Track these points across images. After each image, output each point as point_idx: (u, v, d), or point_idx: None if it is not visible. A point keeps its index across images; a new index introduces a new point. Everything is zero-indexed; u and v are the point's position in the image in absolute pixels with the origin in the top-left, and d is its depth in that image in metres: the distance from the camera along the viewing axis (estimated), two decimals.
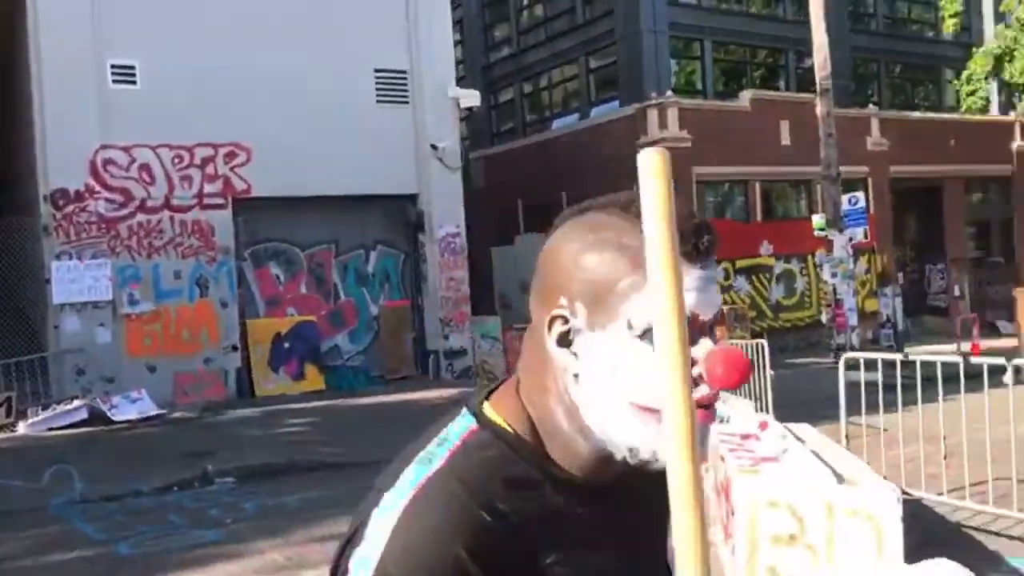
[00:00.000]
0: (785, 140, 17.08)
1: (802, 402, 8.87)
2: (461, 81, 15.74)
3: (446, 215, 13.64)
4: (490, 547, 0.84)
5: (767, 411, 7.17)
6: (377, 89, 13.31)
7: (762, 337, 10.31)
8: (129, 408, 10.39)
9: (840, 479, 3.58)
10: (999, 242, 21.51)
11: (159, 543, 5.81)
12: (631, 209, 0.88)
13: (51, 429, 9.85)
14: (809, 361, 14.10)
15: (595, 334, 0.89)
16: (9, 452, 8.94)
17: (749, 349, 8.64)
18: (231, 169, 12.10)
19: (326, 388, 13.03)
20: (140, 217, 11.51)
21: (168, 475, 7.57)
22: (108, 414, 10.15)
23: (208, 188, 11.97)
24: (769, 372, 8.02)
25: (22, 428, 9.93)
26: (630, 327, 0.87)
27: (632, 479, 0.93)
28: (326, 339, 13.39)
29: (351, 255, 13.77)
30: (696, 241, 0.88)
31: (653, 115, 15.86)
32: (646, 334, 0.86)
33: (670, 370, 0.76)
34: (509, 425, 0.93)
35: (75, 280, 10.93)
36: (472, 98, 14.39)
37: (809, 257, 16.71)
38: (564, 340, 0.90)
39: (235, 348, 12.32)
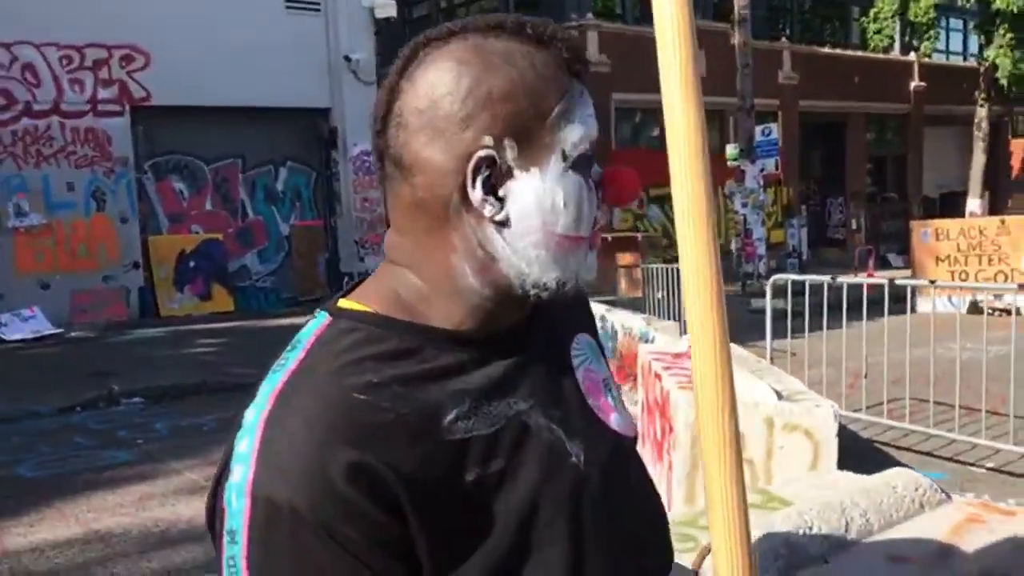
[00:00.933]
0: (701, 70, 17.13)
1: None
2: None
3: (360, 132, 13.15)
4: (376, 426, 0.75)
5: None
6: None
7: (673, 263, 10.48)
8: (21, 327, 9.78)
9: (779, 395, 3.64)
10: (893, 178, 22.49)
11: (65, 464, 5.51)
12: (525, 31, 0.83)
13: None
14: None
15: (528, 172, 0.81)
16: None
17: (670, 273, 8.77)
18: (128, 74, 11.25)
19: (235, 309, 12.62)
20: (25, 122, 10.62)
21: (69, 396, 7.18)
22: None
23: (103, 93, 11.12)
24: None
25: None
26: (564, 158, 0.82)
27: (521, 322, 0.88)
28: (234, 258, 12.89)
29: (259, 171, 13.17)
30: (584, 61, 0.85)
31: None
32: (577, 163, 0.83)
33: (695, 231, 0.79)
34: (370, 308, 0.84)
35: None
36: (387, 8, 13.77)
37: (719, 187, 17.03)
38: (488, 185, 0.81)
39: (136, 266, 11.71)
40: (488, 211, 0.81)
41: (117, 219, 11.43)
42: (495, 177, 0.81)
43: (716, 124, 18.25)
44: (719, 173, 15.81)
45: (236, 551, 0.72)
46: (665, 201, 16.97)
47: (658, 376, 4.48)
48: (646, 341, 6.03)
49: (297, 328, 0.86)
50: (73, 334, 10.31)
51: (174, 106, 11.56)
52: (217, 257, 12.65)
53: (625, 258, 13.34)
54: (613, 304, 8.30)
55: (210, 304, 12.53)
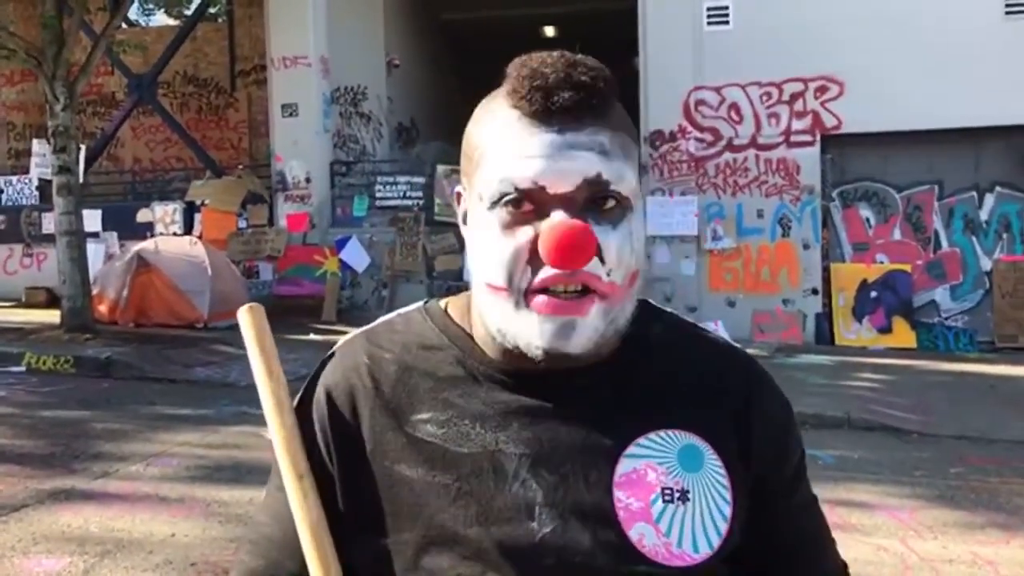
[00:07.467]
0: None
1: None
2: None
3: None
4: (350, 384, 0.90)
5: None
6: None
7: None
8: None
9: None
10: None
11: None
12: (507, 71, 0.84)
13: None
14: None
15: (471, 208, 0.86)
16: None
17: None
18: (821, 104, 11.50)
19: (917, 347, 11.75)
20: (727, 156, 11.78)
21: None
22: None
23: (796, 125, 11.61)
24: None
25: None
26: (480, 199, 0.83)
27: (570, 375, 0.86)
28: (921, 292, 12.00)
29: (959, 198, 11.96)
30: (545, 100, 0.78)
31: None
32: (494, 205, 0.81)
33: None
34: (447, 310, 0.94)
35: (665, 215, 11.79)
36: None
37: None
38: (465, 219, 0.89)
39: (815, 292, 11.89)
40: (467, 241, 0.87)
41: (800, 245, 11.78)
42: (467, 213, 0.88)
43: None
44: None
45: None
46: None
47: None
48: None
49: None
50: (750, 351, 10.98)
51: (865, 133, 11.36)
52: (902, 290, 11.95)
53: None
54: None
55: (889, 338, 11.91)
